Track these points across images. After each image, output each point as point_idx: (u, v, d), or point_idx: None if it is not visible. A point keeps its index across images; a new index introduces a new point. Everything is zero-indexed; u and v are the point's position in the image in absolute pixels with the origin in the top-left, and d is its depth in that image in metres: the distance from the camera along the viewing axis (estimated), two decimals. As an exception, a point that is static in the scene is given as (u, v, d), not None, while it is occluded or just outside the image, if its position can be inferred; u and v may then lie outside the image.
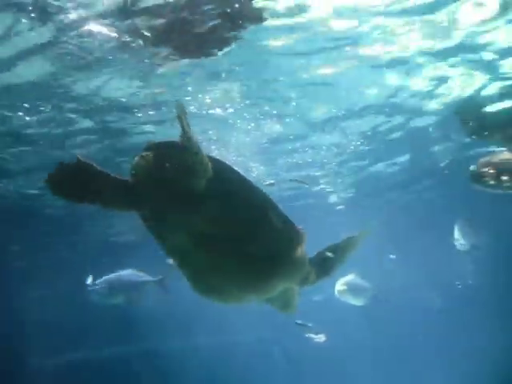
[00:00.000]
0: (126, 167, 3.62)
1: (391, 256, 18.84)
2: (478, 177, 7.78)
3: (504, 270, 22.52)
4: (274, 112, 10.44)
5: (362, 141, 13.04)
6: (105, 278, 14.87)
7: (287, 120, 11.01)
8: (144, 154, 3.47)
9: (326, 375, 24.63)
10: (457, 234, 16.71)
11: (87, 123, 10.21)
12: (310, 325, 9.46)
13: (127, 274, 15.28)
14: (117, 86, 8.61)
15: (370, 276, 15.37)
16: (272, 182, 11.46)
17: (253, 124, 10.77)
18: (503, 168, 7.66)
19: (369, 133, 12.52)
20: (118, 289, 14.84)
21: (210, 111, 9.77)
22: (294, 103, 10.15)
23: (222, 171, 3.49)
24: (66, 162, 3.45)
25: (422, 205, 20.40)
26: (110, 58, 7.52)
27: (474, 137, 12.02)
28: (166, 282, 15.57)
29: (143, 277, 15.47)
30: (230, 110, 9.87)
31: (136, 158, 3.47)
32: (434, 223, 20.79)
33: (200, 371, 23.72)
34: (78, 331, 22.92)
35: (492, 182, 7.70)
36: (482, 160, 7.97)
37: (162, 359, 24.02)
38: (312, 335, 9.98)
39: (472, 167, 7.97)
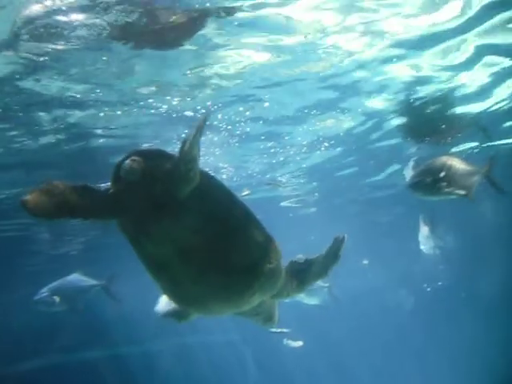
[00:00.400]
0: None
1: (364, 262, 18.96)
2: (416, 184, 7.74)
3: (472, 270, 22.85)
4: (247, 113, 10.21)
5: (332, 142, 12.98)
6: (48, 285, 14.74)
7: (261, 122, 10.82)
8: (135, 158, 3.36)
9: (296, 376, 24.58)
10: (421, 236, 16.78)
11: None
12: (286, 331, 9.29)
13: (71, 279, 15.20)
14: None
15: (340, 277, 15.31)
16: (248, 192, 11.31)
17: (230, 127, 10.57)
18: (439, 173, 7.61)
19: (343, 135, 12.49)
20: (62, 295, 14.67)
21: (185, 112, 9.50)
22: (266, 104, 9.93)
23: (202, 178, 3.44)
24: (38, 186, 3.24)
25: (392, 206, 20.58)
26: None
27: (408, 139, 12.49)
28: (111, 286, 15.71)
29: (87, 281, 15.45)
30: (203, 111, 9.58)
31: (127, 162, 3.33)
32: (402, 225, 20.95)
33: (168, 374, 23.36)
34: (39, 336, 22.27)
35: (430, 189, 7.66)
36: (420, 167, 7.94)
37: (127, 363, 23.54)
38: (290, 341, 9.83)
39: (410, 175, 7.93)
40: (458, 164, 7.79)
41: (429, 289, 23.16)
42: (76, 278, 15.24)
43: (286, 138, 12.17)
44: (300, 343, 9.85)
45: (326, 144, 12.91)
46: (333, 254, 4.09)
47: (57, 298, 14.35)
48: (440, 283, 22.55)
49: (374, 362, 24.56)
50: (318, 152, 13.49)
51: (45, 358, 22.44)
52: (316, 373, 24.69)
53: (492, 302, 21.27)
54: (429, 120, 11.49)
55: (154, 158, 3.42)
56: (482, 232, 21.75)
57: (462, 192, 7.60)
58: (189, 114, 9.59)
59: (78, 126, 9.76)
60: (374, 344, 25.42)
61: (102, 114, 9.31)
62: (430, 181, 7.56)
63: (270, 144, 12.57)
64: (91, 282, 15.47)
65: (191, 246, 3.37)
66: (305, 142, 12.64)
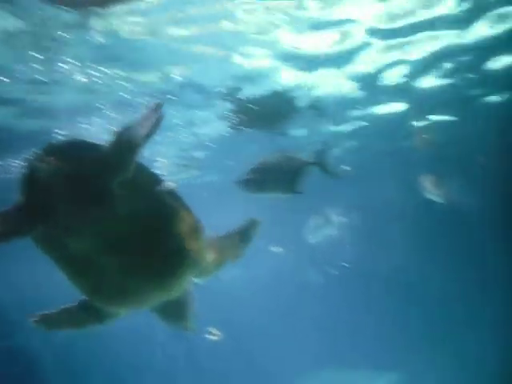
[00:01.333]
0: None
1: (273, 248, 19.00)
2: (245, 182, 7.71)
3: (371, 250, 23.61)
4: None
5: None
6: None
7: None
8: (44, 158, 3.22)
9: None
10: (309, 229, 17.27)
11: None
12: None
13: None
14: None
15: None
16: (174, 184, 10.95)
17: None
18: (268, 172, 7.65)
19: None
20: None
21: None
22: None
23: None
24: None
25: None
26: None
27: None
28: None
29: None
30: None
31: (36, 164, 3.20)
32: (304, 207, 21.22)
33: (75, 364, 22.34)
34: None
35: (259, 187, 7.71)
36: (252, 166, 7.84)
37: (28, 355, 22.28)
38: (210, 333, 9.65)
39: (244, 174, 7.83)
40: (284, 160, 7.79)
41: (334, 271, 23.61)
42: None
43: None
44: (217, 334, 9.67)
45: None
46: (247, 237, 4.15)
47: None
48: (344, 264, 23.05)
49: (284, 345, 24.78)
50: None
51: None
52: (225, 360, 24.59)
53: (389, 282, 22.08)
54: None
55: (69, 151, 3.29)
56: (382, 211, 22.34)
57: (287, 190, 7.68)
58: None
59: None
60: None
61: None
62: (259, 178, 7.60)
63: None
64: None
65: (123, 235, 3.30)
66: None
